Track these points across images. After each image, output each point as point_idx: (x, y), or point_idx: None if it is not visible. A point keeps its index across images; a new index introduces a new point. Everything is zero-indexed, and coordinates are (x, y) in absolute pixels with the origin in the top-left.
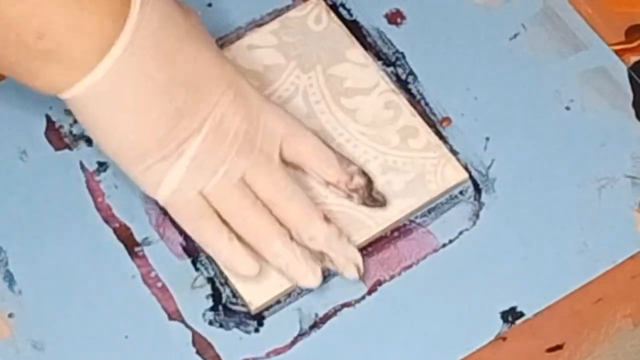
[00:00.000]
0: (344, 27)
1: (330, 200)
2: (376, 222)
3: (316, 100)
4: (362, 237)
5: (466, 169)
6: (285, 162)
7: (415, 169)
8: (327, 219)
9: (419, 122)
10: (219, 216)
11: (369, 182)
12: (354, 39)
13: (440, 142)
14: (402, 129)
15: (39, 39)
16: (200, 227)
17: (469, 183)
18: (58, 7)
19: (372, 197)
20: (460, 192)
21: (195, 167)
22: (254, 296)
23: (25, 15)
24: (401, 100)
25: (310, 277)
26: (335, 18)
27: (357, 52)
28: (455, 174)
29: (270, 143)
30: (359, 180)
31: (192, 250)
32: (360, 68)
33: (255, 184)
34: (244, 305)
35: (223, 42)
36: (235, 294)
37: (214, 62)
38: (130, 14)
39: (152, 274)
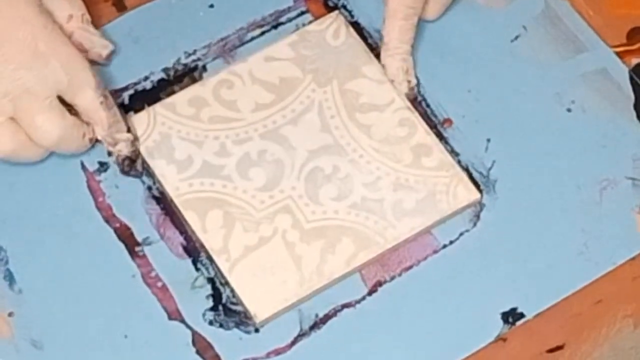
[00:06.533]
0: (362, 42)
1: (340, 216)
2: (386, 239)
3: (331, 114)
4: (371, 254)
5: (467, 170)
6: None
7: (426, 187)
8: None
9: (433, 140)
10: None
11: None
12: (371, 54)
13: (453, 162)
14: (415, 146)
15: None
16: None
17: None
18: None
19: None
20: None
21: None
22: (259, 309)
23: None
24: (416, 117)
25: None
26: (354, 33)
27: (373, 68)
28: (467, 194)
29: None
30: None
31: (192, 250)
32: (376, 84)
33: None
34: (244, 306)
35: (225, 42)
36: (234, 295)
37: None
38: None
39: (153, 274)
